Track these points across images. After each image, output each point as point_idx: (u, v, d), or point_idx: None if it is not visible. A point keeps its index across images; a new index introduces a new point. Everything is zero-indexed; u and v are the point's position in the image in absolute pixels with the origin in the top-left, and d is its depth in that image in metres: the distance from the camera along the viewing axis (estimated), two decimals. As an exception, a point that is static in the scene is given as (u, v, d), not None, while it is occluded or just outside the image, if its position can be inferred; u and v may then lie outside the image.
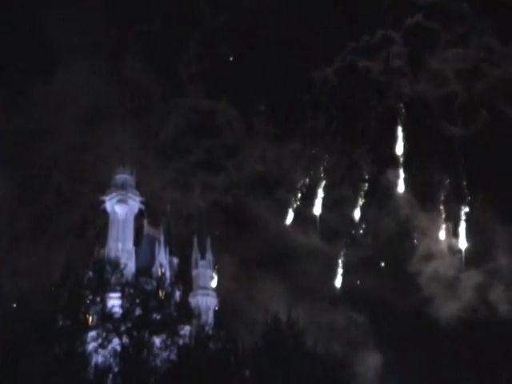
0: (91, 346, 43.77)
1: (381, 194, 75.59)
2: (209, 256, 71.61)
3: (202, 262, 71.25)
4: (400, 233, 73.82)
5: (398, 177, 75.16)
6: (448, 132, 75.23)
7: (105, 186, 70.67)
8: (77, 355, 42.43)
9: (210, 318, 62.51)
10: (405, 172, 75.60)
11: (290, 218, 77.52)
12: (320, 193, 77.27)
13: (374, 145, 77.50)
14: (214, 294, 69.41)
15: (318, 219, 76.05)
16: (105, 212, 70.01)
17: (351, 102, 78.08)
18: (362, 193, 75.83)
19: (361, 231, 75.45)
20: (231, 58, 78.31)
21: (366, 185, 75.89)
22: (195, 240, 72.34)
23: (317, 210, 76.42)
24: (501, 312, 67.06)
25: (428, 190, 73.77)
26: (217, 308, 67.99)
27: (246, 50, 79.14)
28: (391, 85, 77.69)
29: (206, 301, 68.01)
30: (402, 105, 77.60)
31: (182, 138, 76.65)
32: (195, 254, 71.79)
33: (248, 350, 45.07)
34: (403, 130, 76.72)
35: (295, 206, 76.83)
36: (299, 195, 78.04)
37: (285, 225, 76.69)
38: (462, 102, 75.24)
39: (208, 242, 72.17)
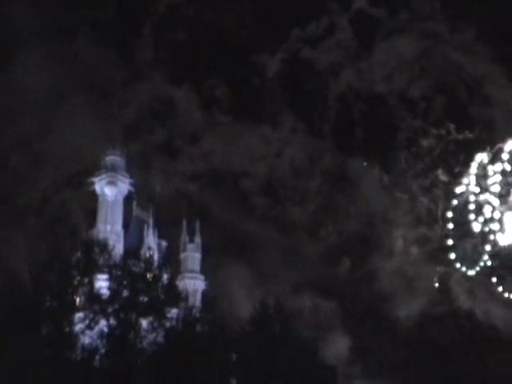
0: (78, 327, 43.80)
1: (346, 185, 74.78)
2: (197, 239, 71.63)
3: (190, 246, 71.24)
4: (366, 225, 73.11)
5: (363, 168, 74.41)
6: (404, 123, 74.48)
7: (94, 167, 70.56)
8: (64, 336, 42.47)
9: (197, 301, 62.68)
10: (368, 162, 74.88)
11: (252, 208, 76.37)
12: (283, 182, 76.25)
13: (333, 135, 76.65)
14: (201, 277, 69.50)
15: (279, 210, 75.05)
16: (94, 193, 69.93)
17: (301, 91, 77.35)
18: (326, 183, 74.83)
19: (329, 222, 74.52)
20: (187, 44, 77.43)
21: (331, 175, 74.98)
22: (184, 223, 72.36)
23: (280, 200, 75.27)
24: (463, 306, 66.90)
25: (393, 180, 73.06)
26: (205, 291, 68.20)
27: (199, 37, 78.22)
28: (338, 73, 76.87)
29: (193, 284, 68.11)
30: (352, 94, 76.72)
31: (142, 123, 75.38)
32: (184, 237, 71.80)
33: (235, 334, 45.28)
34: (358, 120, 75.93)
35: (257, 196, 75.60)
36: (261, 186, 76.80)
37: (247, 215, 75.60)
38: (413, 92, 74.56)
39: (197, 225, 72.19)
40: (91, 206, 69.42)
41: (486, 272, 63.53)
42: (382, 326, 64.78)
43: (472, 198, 63.72)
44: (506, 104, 69.39)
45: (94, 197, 69.85)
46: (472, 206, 63.12)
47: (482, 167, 64.12)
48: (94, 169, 70.42)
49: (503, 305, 63.12)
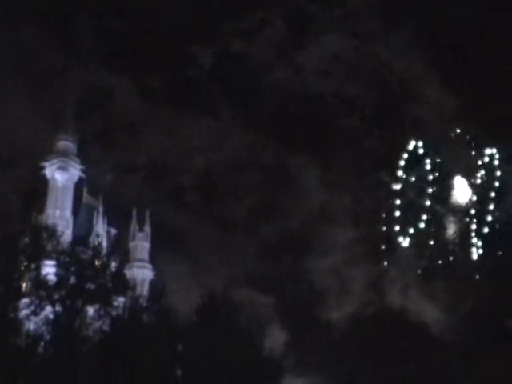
0: (23, 312, 43.45)
1: (286, 182, 74.53)
2: (147, 228, 71.46)
3: (139, 235, 71.09)
4: (306, 222, 72.98)
5: (305, 164, 74.16)
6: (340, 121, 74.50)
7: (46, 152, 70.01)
8: (8, 321, 42.11)
9: (145, 290, 62.59)
10: (308, 159, 74.69)
11: (189, 203, 75.74)
12: (222, 177, 75.59)
13: (272, 130, 76.36)
14: (150, 266, 69.39)
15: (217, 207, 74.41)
16: (44, 178, 69.40)
17: (236, 85, 76.86)
18: (266, 179, 74.31)
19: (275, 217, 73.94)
20: (125, 33, 76.65)
21: (271, 171, 74.57)
22: (134, 212, 72.14)
23: (217, 195, 74.62)
24: (393, 306, 67.43)
25: (335, 179, 73.17)
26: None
27: (137, 26, 77.52)
28: (272, 68, 76.49)
29: (141, 273, 67.97)
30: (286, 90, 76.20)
31: (79, 111, 74.29)
32: (133, 226, 71.59)
33: (182, 325, 45.31)
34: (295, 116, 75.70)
35: (194, 190, 74.94)
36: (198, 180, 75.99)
37: (183, 210, 74.97)
38: (349, 90, 74.67)
39: (147, 214, 72.00)
40: (41, 191, 68.98)
41: (421, 271, 64.16)
42: (316, 323, 65.02)
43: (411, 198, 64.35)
44: (437, 106, 69.86)
45: (44, 182, 69.40)
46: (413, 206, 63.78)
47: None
48: (45, 154, 69.94)
49: (434, 304, 63.89)
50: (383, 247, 64.56)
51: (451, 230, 63.24)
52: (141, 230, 71.24)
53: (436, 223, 64.16)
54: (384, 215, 67.23)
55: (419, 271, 63.34)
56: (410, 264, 64.48)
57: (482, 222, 62.29)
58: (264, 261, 70.25)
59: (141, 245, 70.55)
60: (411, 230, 64.84)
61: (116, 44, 76.75)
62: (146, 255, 70.39)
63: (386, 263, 64.28)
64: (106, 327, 44.01)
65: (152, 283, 66.19)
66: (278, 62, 75.10)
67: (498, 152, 62.77)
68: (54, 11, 75.95)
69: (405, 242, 64.23)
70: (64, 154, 69.43)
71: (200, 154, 74.26)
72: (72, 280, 45.19)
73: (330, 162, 71.70)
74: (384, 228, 65.73)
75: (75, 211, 69.03)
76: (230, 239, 71.24)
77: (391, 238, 65.34)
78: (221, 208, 72.60)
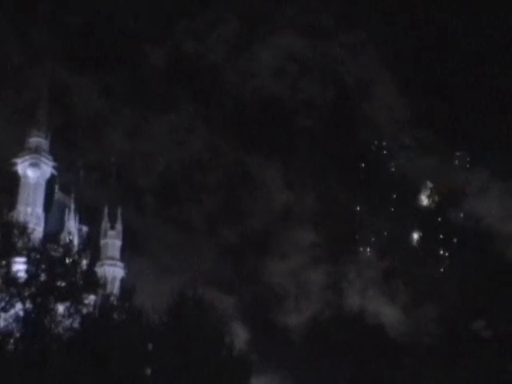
0: (-7, 309, 43.32)
1: (249, 182, 73.89)
2: (118, 226, 71.27)
3: (111, 232, 70.88)
4: (267, 224, 72.34)
5: (267, 165, 73.57)
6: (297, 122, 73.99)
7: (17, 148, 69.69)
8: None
9: (115, 288, 62.33)
10: (271, 160, 74.15)
11: (148, 205, 75.11)
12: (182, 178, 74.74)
13: (234, 130, 75.55)
14: (121, 264, 69.22)
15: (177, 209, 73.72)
16: (16, 175, 69.08)
17: (191, 85, 76.11)
18: (226, 180, 73.49)
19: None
20: (82, 31, 75.73)
21: (233, 171, 73.76)
22: (106, 209, 71.92)
23: (178, 196, 73.90)
24: (352, 307, 67.47)
25: (298, 180, 72.83)
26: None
27: (94, 24, 76.67)
28: (221, 68, 75.62)
29: (112, 271, 67.78)
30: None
31: (36, 110, 73.24)
32: (105, 224, 71.38)
33: (152, 323, 45.27)
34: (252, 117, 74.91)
35: (154, 193, 74.22)
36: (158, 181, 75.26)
37: (142, 212, 74.34)
38: (303, 89, 74.23)
39: (119, 212, 71.81)
40: (12, 187, 68.62)
41: (382, 272, 64.59)
42: (274, 326, 64.77)
43: None
44: (391, 108, 69.95)
45: (15, 178, 69.06)
46: None
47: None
48: (17, 150, 69.63)
49: (393, 305, 64.20)
50: (344, 249, 65.08)
51: (414, 232, 63.94)
52: (112, 227, 71.06)
53: (399, 226, 64.81)
54: (345, 217, 67.85)
55: (379, 272, 63.95)
56: (370, 265, 64.94)
57: (443, 225, 63.13)
58: (225, 262, 69.54)
59: (112, 242, 70.36)
60: (374, 233, 65.50)
61: (74, 42, 75.81)
62: (117, 253, 70.21)
63: (346, 265, 64.77)
64: (76, 325, 43.94)
65: (123, 281, 66.02)
66: (232, 62, 74.19)
67: (459, 156, 63.53)
68: (12, 8, 75.20)
69: (366, 244, 64.85)
70: (36, 150, 69.15)
71: (161, 154, 73.06)
72: (42, 277, 45.04)
73: (291, 163, 71.25)
74: (346, 230, 66.26)
75: (46, 208, 68.78)
76: (191, 241, 70.33)
77: (353, 240, 65.78)
78: (181, 210, 71.50)
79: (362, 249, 65.32)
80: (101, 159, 73.18)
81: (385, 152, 66.20)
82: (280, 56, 72.75)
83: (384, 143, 66.92)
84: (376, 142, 67.14)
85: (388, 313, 63.35)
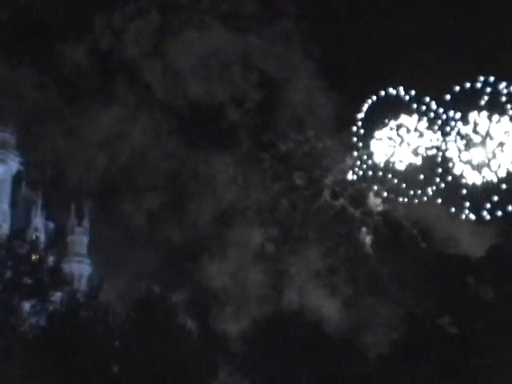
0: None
1: (196, 180, 72.68)
2: (86, 223, 70.93)
3: (78, 229, 70.51)
4: (212, 224, 71.36)
5: (216, 162, 72.34)
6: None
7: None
8: None
9: (82, 285, 62.19)
10: (221, 158, 72.92)
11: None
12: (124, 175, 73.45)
13: (180, 127, 74.07)
14: (88, 261, 68.91)
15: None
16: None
17: (114, 82, 74.36)
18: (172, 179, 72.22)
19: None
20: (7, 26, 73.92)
21: (178, 171, 72.46)
22: (73, 206, 71.53)
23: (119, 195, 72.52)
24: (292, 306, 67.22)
25: (251, 180, 72.03)
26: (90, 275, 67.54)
27: (17, 19, 74.81)
28: (140, 65, 73.92)
29: (79, 268, 67.49)
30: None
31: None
32: (72, 221, 71.00)
33: (119, 321, 45.17)
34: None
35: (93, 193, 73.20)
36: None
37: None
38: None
39: (86, 208, 71.45)
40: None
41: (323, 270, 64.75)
42: (213, 329, 63.91)
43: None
44: (311, 106, 69.66)
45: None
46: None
47: None
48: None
49: (334, 301, 64.35)
50: (287, 247, 65.10)
51: (364, 231, 64.40)
52: (79, 224, 70.69)
53: (349, 225, 65.13)
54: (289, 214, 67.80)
55: (323, 270, 64.08)
56: (314, 263, 64.98)
57: (392, 224, 63.65)
58: (167, 263, 68.40)
59: (79, 239, 69.99)
60: (318, 230, 65.69)
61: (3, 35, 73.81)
62: (84, 250, 69.88)
63: (289, 263, 64.76)
64: (42, 322, 43.76)
65: (90, 278, 65.71)
66: (153, 58, 72.31)
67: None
68: None
69: (310, 242, 65.02)
70: (2, 145, 68.68)
71: (100, 153, 71.28)
72: (8, 274, 44.81)
73: (242, 163, 70.18)
74: (290, 228, 66.24)
75: (13, 204, 68.35)
76: (132, 241, 68.93)
77: (297, 237, 65.75)
78: (122, 209, 70.00)
79: (305, 246, 65.49)
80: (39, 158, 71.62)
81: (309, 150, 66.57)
82: (202, 48, 71.37)
83: (308, 139, 67.15)
84: (301, 138, 67.39)
85: (329, 309, 63.48)
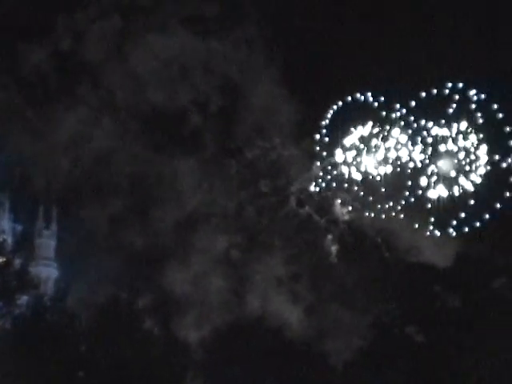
0: None
1: (161, 184, 72.20)
2: (53, 226, 70.49)
3: (46, 232, 70.04)
4: (175, 230, 71.06)
5: (182, 166, 71.91)
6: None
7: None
8: None
9: (49, 289, 61.77)
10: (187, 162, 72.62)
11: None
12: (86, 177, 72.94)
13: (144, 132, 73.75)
14: (55, 265, 68.48)
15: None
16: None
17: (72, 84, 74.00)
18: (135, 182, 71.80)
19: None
20: None
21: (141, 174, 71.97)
22: (41, 209, 71.04)
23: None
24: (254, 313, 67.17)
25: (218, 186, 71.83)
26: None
27: None
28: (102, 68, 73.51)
29: (46, 271, 67.04)
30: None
31: None
32: (40, 224, 70.52)
33: (86, 326, 44.99)
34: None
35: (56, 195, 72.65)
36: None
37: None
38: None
39: (54, 212, 71.02)
40: None
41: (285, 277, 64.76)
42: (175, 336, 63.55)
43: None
44: (274, 112, 69.52)
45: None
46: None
47: None
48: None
49: (296, 309, 64.41)
50: (251, 253, 65.00)
51: (329, 239, 64.60)
52: (47, 227, 70.21)
53: (314, 233, 65.27)
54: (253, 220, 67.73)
55: (285, 277, 64.12)
56: (277, 270, 65.03)
57: (357, 233, 63.91)
58: (131, 268, 67.91)
59: (46, 242, 69.49)
60: (288, 239, 65.73)
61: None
62: (51, 253, 69.39)
63: (252, 269, 64.68)
64: (8, 326, 43.45)
65: (57, 282, 65.32)
66: (113, 61, 71.75)
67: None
68: None
69: (274, 248, 65.02)
70: (-29, 147, 68.23)
71: (64, 156, 70.46)
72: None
73: (207, 168, 69.72)
74: (254, 234, 66.16)
75: (-20, 206, 67.82)
76: (95, 245, 68.35)
77: (261, 243, 65.73)
78: (84, 213, 69.29)
79: (269, 253, 65.49)
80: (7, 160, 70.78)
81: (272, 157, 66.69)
82: (164, 52, 70.92)
83: (274, 146, 67.21)
84: (267, 145, 67.48)
85: (292, 316, 63.47)
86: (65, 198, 69.49)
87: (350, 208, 63.15)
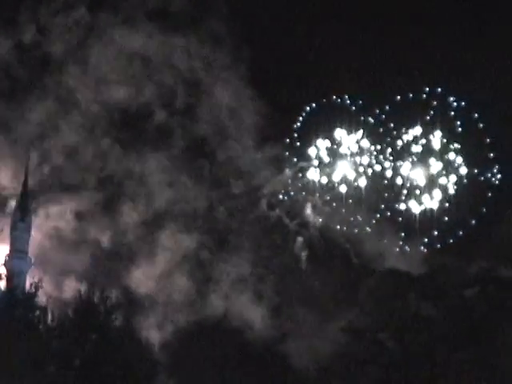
0: None
1: (130, 181, 71.16)
2: (29, 219, 69.98)
3: (20, 225, 69.55)
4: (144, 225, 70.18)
5: (151, 163, 70.97)
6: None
7: None
8: None
9: (22, 282, 61.36)
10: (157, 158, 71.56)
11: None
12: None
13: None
14: (29, 258, 67.99)
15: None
16: None
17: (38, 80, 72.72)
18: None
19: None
20: None
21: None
22: (16, 202, 70.53)
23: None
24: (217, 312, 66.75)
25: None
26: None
27: None
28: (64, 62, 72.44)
29: (20, 265, 66.57)
30: None
31: None
32: (14, 216, 70.01)
33: (58, 321, 44.68)
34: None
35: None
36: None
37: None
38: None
39: (30, 205, 70.51)
40: None
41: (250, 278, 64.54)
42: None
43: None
44: (240, 113, 68.86)
45: None
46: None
47: None
48: None
49: (260, 311, 64.16)
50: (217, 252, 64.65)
51: (298, 243, 64.50)
52: (22, 220, 69.73)
53: (284, 236, 65.10)
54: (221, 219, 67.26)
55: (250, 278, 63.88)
56: (241, 270, 64.67)
57: (326, 237, 63.85)
58: (97, 265, 67.14)
59: (21, 236, 69.09)
60: (257, 241, 65.50)
61: None
62: (25, 246, 68.94)
63: (217, 269, 64.33)
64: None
65: (30, 276, 64.88)
66: (80, 55, 70.52)
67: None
68: None
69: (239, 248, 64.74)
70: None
71: (32, 150, 69.52)
72: None
73: (177, 167, 68.77)
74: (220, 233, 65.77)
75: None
76: (62, 241, 67.56)
77: (231, 246, 65.34)
78: (53, 209, 68.48)
79: (238, 255, 65.17)
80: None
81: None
82: (129, 46, 69.93)
83: (246, 148, 66.70)
84: (240, 147, 66.96)
85: (256, 318, 63.21)
86: (34, 192, 69.17)
87: (321, 213, 63.10)
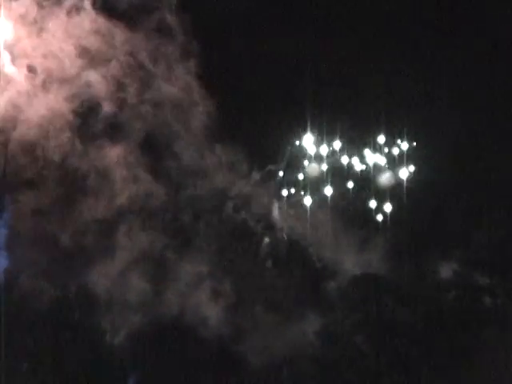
0: None
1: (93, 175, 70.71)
2: (6, 215, 69.52)
3: (-5, 220, 69.27)
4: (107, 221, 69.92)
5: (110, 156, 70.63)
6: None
7: None
8: None
9: (-3, 278, 61.19)
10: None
11: None
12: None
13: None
14: (5, 254, 67.65)
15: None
16: None
17: None
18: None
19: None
20: None
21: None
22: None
23: None
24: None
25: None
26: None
27: None
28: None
29: (-5, 260, 66.32)
30: None
31: None
32: (-9, 210, 69.70)
33: (34, 317, 44.56)
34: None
35: None
36: None
37: None
38: None
39: (7, 200, 70.09)
40: None
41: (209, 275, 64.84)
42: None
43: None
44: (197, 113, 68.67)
45: None
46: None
47: None
48: None
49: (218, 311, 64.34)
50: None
51: (264, 245, 64.93)
52: (-1, 215, 69.38)
53: (249, 238, 65.50)
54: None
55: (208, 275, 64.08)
56: (201, 267, 64.82)
57: (291, 241, 64.33)
58: (55, 262, 66.82)
59: (-3, 231, 68.75)
60: (221, 242, 65.78)
61: None
62: (1, 242, 68.48)
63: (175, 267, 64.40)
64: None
65: (7, 272, 64.52)
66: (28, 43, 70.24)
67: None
68: None
69: (206, 252, 64.88)
70: None
71: None
72: None
73: (139, 162, 68.53)
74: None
75: None
76: (20, 237, 67.07)
77: (195, 247, 65.47)
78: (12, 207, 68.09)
79: (201, 255, 65.33)
80: None
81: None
82: (75, 36, 69.46)
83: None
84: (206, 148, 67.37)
85: (214, 317, 63.29)
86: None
87: (287, 216, 63.47)
